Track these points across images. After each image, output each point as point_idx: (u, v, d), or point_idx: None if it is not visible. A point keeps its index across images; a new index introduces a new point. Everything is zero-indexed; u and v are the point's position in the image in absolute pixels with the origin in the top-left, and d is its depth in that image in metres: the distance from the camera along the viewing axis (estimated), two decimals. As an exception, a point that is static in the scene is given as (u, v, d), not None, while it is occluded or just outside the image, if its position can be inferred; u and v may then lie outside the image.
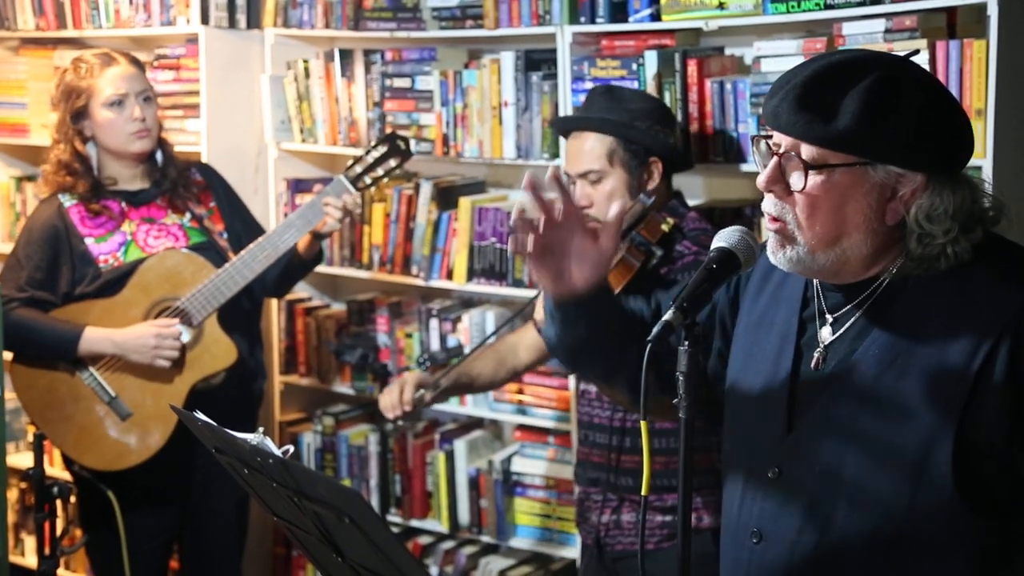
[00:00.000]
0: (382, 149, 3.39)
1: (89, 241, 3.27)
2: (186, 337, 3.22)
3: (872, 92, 1.64)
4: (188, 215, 3.36)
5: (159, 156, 3.35)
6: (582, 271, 1.85)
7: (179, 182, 3.35)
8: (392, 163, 3.39)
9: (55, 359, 3.24)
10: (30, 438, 3.24)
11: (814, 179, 1.67)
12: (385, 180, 3.49)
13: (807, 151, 1.67)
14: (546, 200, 1.80)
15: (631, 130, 2.82)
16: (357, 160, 3.39)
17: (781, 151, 1.70)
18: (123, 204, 3.32)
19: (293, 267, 3.44)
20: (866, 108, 1.64)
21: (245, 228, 3.45)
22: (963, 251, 1.68)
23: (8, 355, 3.32)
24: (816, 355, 1.79)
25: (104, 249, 3.27)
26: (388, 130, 3.75)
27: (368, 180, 3.39)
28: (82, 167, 3.27)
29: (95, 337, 3.18)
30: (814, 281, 1.83)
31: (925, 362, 1.68)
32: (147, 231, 3.31)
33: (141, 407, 3.23)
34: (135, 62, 3.33)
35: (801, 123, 1.66)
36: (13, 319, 3.17)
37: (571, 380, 3.37)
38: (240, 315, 3.37)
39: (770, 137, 1.73)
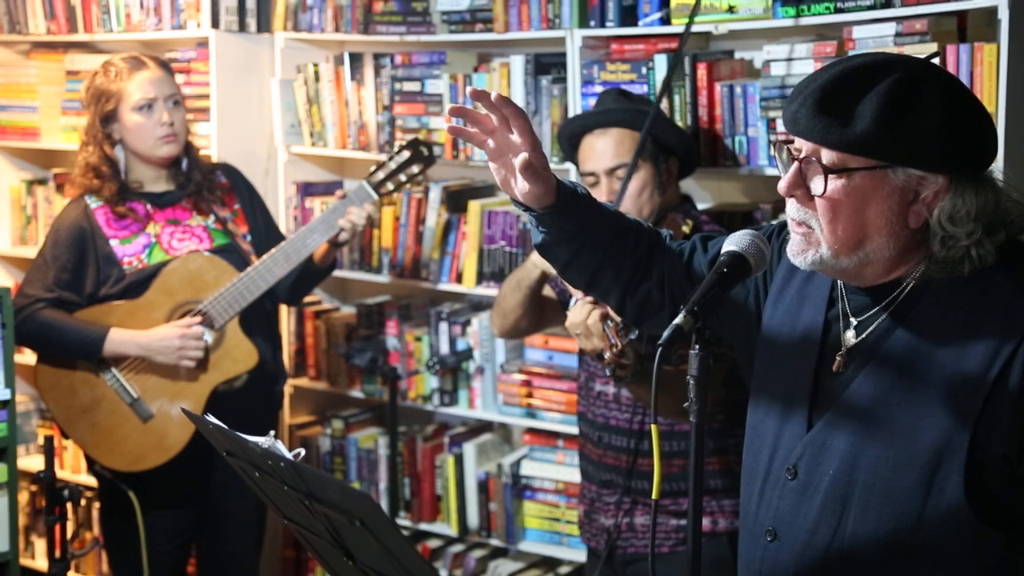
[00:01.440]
0: (405, 155, 3.39)
1: (114, 243, 3.28)
2: (208, 340, 3.23)
3: (890, 95, 1.64)
4: (212, 217, 3.38)
5: (184, 159, 3.36)
6: (520, 178, 1.82)
7: (204, 185, 3.37)
8: (415, 169, 3.39)
9: (80, 360, 3.25)
10: (40, 441, 3.25)
11: (834, 183, 1.67)
12: (408, 186, 3.49)
13: (827, 156, 1.67)
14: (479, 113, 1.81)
15: (660, 124, 2.82)
16: (380, 166, 3.39)
17: (802, 156, 1.70)
18: (148, 206, 3.34)
19: (307, 275, 3.45)
20: (884, 111, 1.63)
21: (267, 231, 3.46)
22: (987, 254, 1.67)
23: (33, 356, 3.35)
24: (839, 357, 1.79)
25: (129, 251, 3.29)
26: (398, 133, 3.75)
27: (391, 186, 3.39)
28: (110, 170, 3.29)
29: (120, 339, 3.20)
30: (839, 282, 1.83)
31: (943, 368, 1.68)
32: (171, 233, 3.32)
33: (163, 409, 3.25)
34: (164, 66, 3.35)
35: (820, 128, 1.66)
36: (39, 320, 3.20)
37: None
38: (263, 318, 3.39)
39: (791, 142, 1.73)
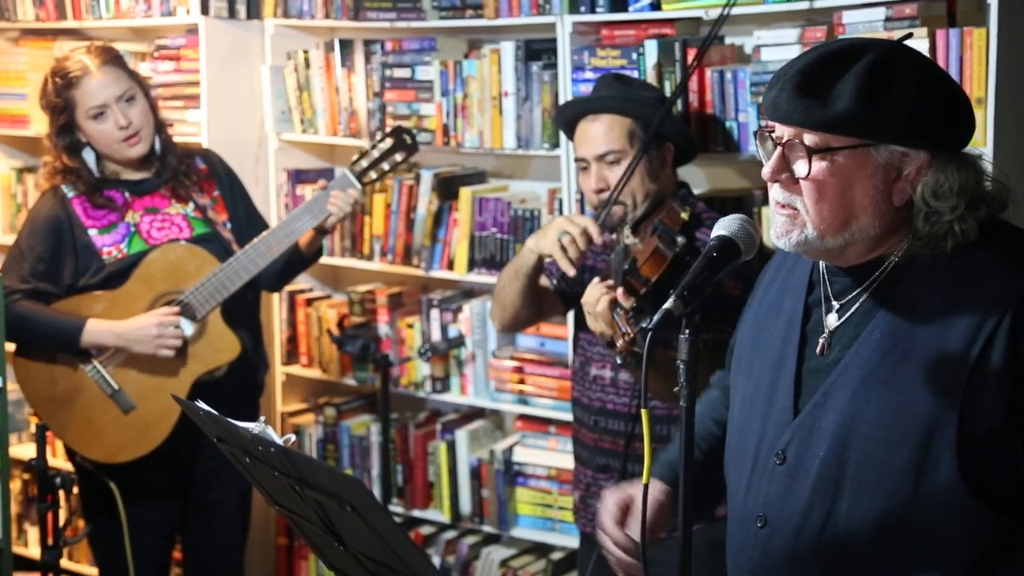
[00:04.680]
0: (388, 143, 3.37)
1: (92, 232, 3.25)
2: (189, 331, 3.22)
3: (868, 74, 1.66)
4: (192, 205, 3.34)
5: (157, 145, 3.31)
6: None
7: (180, 171, 3.32)
8: (398, 157, 3.37)
9: (58, 351, 3.23)
10: (33, 429, 3.24)
11: (818, 164, 1.69)
12: (391, 174, 3.47)
13: (809, 137, 1.69)
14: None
15: (651, 110, 2.82)
16: (363, 154, 3.37)
17: (784, 141, 1.71)
18: (126, 194, 3.30)
19: (293, 262, 3.43)
20: (863, 89, 1.65)
21: (248, 218, 3.44)
22: (969, 229, 1.69)
23: (11, 347, 3.32)
24: (821, 341, 1.80)
25: (108, 241, 3.25)
26: (388, 120, 3.75)
27: (374, 175, 3.37)
28: (79, 170, 3.24)
29: (97, 329, 3.17)
30: (820, 266, 1.84)
31: (927, 346, 1.69)
32: (151, 222, 3.29)
33: (144, 400, 3.23)
34: (112, 60, 3.23)
35: (800, 110, 1.67)
36: (16, 311, 3.15)
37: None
38: (244, 308, 3.36)
39: (773, 130, 1.74)
